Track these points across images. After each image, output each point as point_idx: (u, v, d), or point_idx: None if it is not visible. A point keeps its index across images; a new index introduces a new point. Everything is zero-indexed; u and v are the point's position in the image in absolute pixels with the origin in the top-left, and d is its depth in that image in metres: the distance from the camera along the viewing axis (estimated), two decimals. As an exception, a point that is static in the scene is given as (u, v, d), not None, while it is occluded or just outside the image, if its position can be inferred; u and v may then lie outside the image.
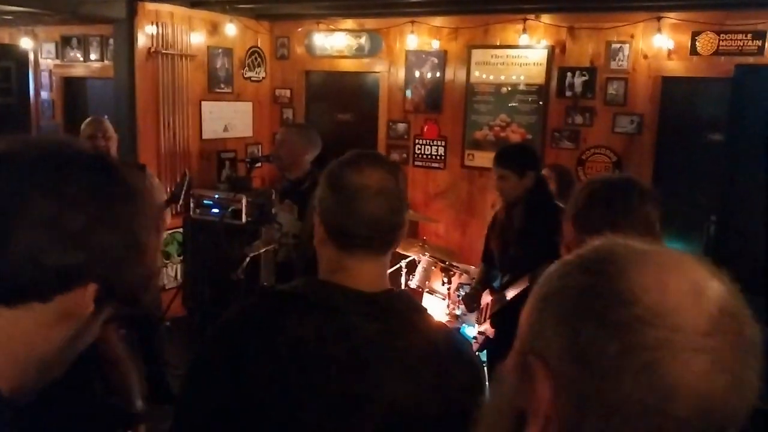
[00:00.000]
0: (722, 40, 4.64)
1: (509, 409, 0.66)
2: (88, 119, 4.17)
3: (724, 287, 0.61)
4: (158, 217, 1.06)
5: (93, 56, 6.18)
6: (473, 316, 4.11)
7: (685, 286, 0.59)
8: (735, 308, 0.60)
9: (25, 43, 6.28)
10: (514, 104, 5.38)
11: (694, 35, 4.72)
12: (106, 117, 4.30)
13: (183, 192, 4.18)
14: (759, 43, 4.52)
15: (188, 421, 1.23)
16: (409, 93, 5.78)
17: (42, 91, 6.61)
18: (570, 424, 0.60)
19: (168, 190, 4.88)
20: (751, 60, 4.53)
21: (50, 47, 6.46)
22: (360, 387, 1.16)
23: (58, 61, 6.44)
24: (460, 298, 4.16)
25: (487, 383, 1.29)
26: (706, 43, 4.69)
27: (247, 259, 3.71)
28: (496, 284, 3.35)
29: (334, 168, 1.30)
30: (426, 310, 1.34)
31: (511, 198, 3.16)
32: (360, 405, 1.16)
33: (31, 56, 6.56)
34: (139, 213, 0.79)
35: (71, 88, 6.58)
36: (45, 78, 6.58)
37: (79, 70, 6.35)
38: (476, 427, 0.70)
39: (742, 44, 4.58)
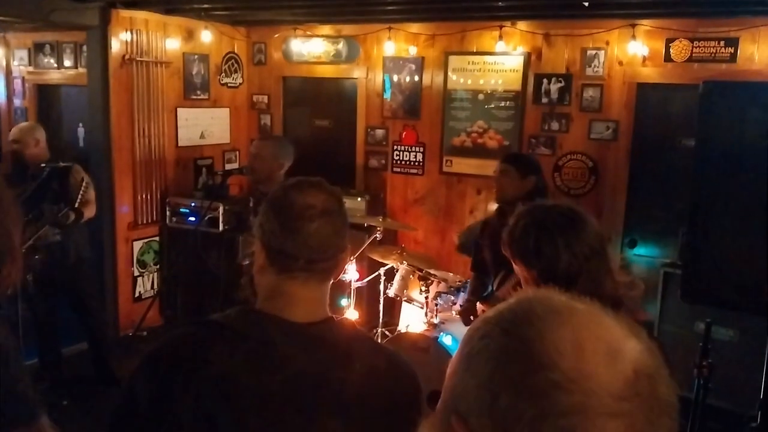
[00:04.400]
0: (695, 47, 4.68)
1: None
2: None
3: (641, 346, 0.61)
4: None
5: (67, 63, 6.10)
6: (454, 325, 4.11)
7: (602, 348, 0.59)
8: (651, 368, 0.60)
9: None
10: (491, 110, 5.40)
11: (668, 42, 4.76)
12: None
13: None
14: (731, 50, 4.58)
15: None
16: (387, 96, 5.77)
17: (14, 98, 6.52)
18: None
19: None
20: (723, 67, 4.59)
21: (23, 54, 6.37)
22: (292, 421, 1.14)
23: (30, 68, 6.35)
24: (457, 313, 4.18)
25: None
26: (679, 50, 4.73)
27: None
28: (486, 294, 3.34)
29: (278, 192, 1.30)
30: (368, 337, 1.32)
31: (509, 197, 3.17)
32: None
33: (3, 63, 6.47)
34: None
35: (45, 95, 6.49)
36: (18, 85, 6.49)
37: (52, 77, 6.27)
38: None
39: (714, 51, 4.63)
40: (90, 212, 4.28)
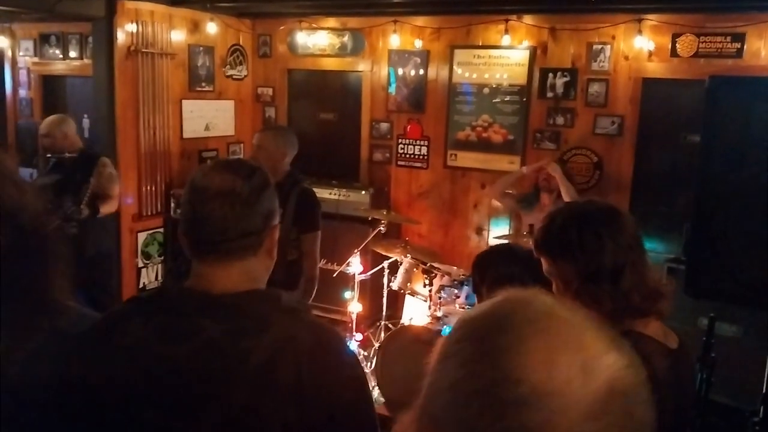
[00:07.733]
0: (702, 42, 4.67)
1: None
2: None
3: (620, 362, 0.59)
4: None
5: (72, 54, 6.11)
6: (457, 318, 4.11)
7: (576, 362, 0.57)
8: (627, 386, 0.58)
9: (1, 41, 6.20)
10: (496, 104, 5.39)
11: (675, 37, 4.75)
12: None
13: None
14: (738, 45, 4.56)
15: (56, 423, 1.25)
16: (392, 89, 5.77)
17: (20, 88, 6.53)
18: None
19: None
20: (729, 62, 4.57)
21: (28, 44, 6.38)
22: (199, 388, 1.16)
23: (36, 59, 6.36)
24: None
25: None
26: (686, 45, 4.72)
27: None
28: None
29: (194, 172, 1.33)
30: (296, 309, 1.26)
31: None
32: (199, 406, 1.16)
33: (9, 54, 6.48)
34: None
35: (50, 85, 6.50)
36: (23, 76, 6.50)
37: (58, 68, 6.27)
38: None
39: (721, 46, 4.61)
40: (110, 208, 4.31)
